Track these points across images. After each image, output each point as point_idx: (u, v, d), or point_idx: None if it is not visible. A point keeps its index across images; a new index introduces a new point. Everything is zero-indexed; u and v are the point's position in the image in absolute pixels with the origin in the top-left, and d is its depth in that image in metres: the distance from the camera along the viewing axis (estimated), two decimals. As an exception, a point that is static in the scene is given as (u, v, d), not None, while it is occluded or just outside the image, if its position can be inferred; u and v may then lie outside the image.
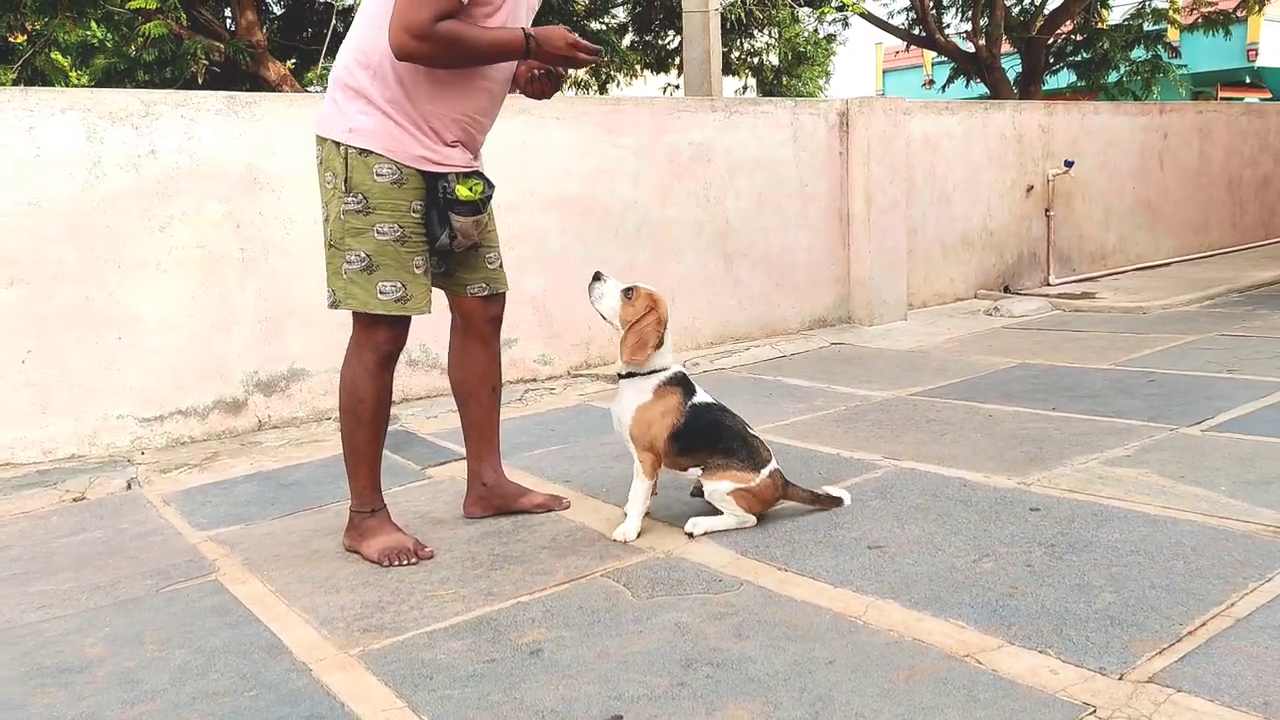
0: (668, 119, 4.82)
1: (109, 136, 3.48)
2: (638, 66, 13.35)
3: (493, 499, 2.71)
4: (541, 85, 2.47)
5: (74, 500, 3.20)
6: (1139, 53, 16.60)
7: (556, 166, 4.51)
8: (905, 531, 2.35)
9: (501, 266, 2.63)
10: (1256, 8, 17.02)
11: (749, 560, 2.26)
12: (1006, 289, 6.40)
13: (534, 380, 4.53)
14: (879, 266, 5.50)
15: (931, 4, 15.40)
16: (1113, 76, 16.18)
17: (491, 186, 2.44)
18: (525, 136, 4.39)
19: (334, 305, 2.37)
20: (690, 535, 2.43)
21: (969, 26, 16.28)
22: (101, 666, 1.95)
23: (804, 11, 15.92)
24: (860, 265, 5.51)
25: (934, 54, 23.61)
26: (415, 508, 2.87)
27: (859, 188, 5.44)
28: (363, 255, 2.30)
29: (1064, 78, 17.01)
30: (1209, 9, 16.65)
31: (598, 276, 2.49)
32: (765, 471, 2.43)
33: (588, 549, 2.43)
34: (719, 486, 2.41)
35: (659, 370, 2.46)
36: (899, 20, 16.75)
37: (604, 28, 12.12)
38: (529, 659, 1.86)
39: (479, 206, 2.39)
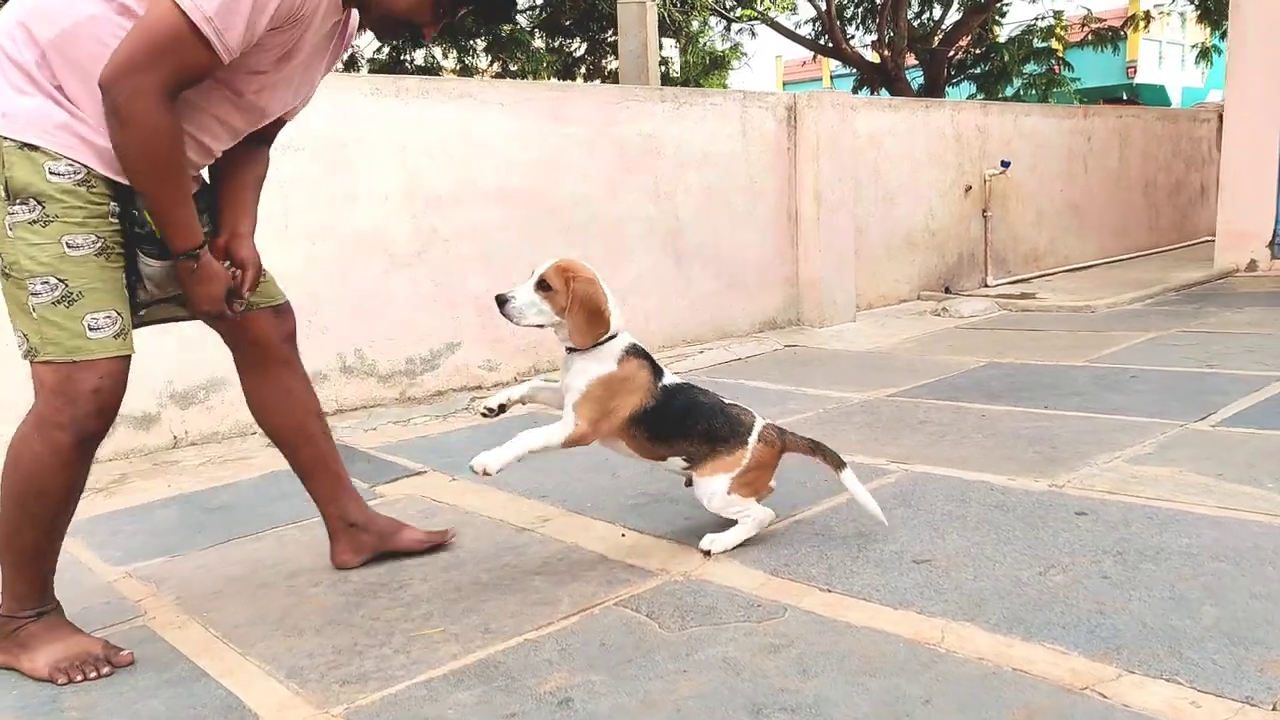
0: (616, 109, 4.54)
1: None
2: (545, 74, 13.03)
3: (368, 539, 2.21)
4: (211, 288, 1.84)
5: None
6: (1033, 67, 17.35)
7: (499, 157, 4.17)
8: (948, 543, 2.13)
9: (270, 277, 2.06)
10: (1142, 25, 18.03)
11: (783, 581, 1.99)
12: (947, 290, 6.36)
13: (479, 388, 4.16)
14: (828, 267, 5.35)
15: (837, 17, 15.69)
16: (1010, 89, 16.82)
17: (211, 228, 1.88)
18: (465, 124, 4.04)
19: (30, 356, 1.69)
20: (707, 554, 2.15)
21: (873, 38, 16.69)
22: (7, 747, 1.54)
23: (713, 20, 15.97)
24: (810, 265, 5.35)
25: (834, 67, 24.21)
26: (375, 531, 2.49)
27: (808, 185, 5.28)
28: (53, 282, 1.64)
29: (964, 89, 17.57)
30: (1098, 25, 17.53)
31: (502, 300, 2.07)
32: (754, 436, 2.15)
33: (588, 573, 2.11)
34: (714, 488, 2.12)
35: (613, 336, 2.10)
36: (805, 31, 17.03)
37: (514, 27, 11.74)
38: (559, 711, 1.54)
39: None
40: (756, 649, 1.70)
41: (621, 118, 4.55)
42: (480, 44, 12.17)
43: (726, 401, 2.20)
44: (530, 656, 1.73)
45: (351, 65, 11.27)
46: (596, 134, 4.47)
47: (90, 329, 1.68)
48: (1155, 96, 24.37)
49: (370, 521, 2.23)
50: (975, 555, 2.04)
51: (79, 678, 1.75)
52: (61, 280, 1.65)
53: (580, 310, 2.04)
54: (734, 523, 2.18)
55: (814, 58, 19.75)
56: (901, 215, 6.03)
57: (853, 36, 17.04)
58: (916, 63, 16.94)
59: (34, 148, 1.63)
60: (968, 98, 15.68)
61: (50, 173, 1.64)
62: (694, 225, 4.89)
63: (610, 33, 14.67)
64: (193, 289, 1.80)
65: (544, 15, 13.66)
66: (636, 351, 2.13)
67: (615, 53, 14.87)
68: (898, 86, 15.51)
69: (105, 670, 1.77)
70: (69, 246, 1.66)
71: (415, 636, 1.85)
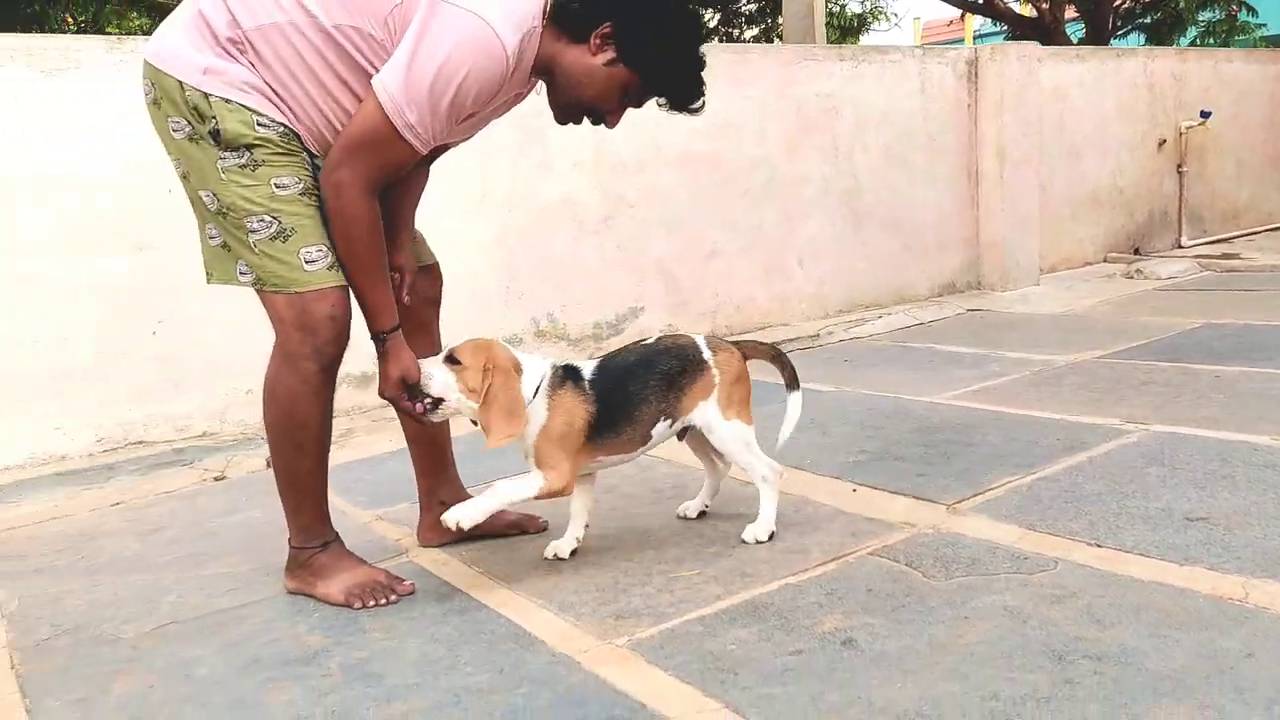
0: (795, 69, 4.48)
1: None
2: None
3: None
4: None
5: (215, 479, 2.96)
6: (1211, 14, 15.95)
7: (682, 121, 4.15)
8: (1220, 501, 2.02)
9: (422, 238, 2.12)
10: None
11: (1042, 535, 1.94)
12: (1136, 251, 5.99)
13: (667, 350, 4.22)
14: (1011, 227, 5.12)
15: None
16: (1184, 39, 15.57)
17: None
18: (655, 88, 4.06)
19: (258, 285, 1.80)
20: (752, 542, 2.03)
21: (1031, -10, 15.72)
22: (330, 657, 1.68)
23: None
24: (991, 226, 5.14)
25: (977, 27, 23.00)
26: (597, 483, 2.58)
27: (990, 142, 5.06)
28: (267, 220, 1.75)
29: (1131, 41, 16.39)
30: (1285, -35, 15.90)
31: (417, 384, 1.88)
32: (707, 352, 2.01)
33: (829, 525, 2.12)
34: (709, 418, 1.99)
35: (536, 382, 1.90)
36: (954, -12, 16.21)
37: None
38: (844, 650, 1.55)
39: None
40: (1037, 599, 1.66)
41: (799, 78, 4.49)
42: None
43: (650, 342, 2.07)
44: (797, 599, 1.76)
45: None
46: (774, 95, 4.43)
47: (306, 262, 1.78)
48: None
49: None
50: (1258, 514, 1.93)
51: (371, 603, 1.88)
52: (275, 218, 1.76)
53: (490, 407, 1.84)
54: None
55: (961, 16, 18.86)
56: (1087, 172, 5.71)
57: (1006, -10, 16.16)
58: (1077, 15, 15.91)
59: (239, 105, 1.73)
60: (1137, 50, 14.59)
61: (258, 124, 1.74)
62: (871, 186, 4.79)
63: (745, 1, 14.43)
64: (381, 367, 1.87)
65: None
66: (557, 375, 1.93)
67: (750, 22, 14.64)
68: (1055, 42, 14.64)
69: (392, 598, 1.90)
70: (277, 187, 1.76)
71: (674, 578, 1.91)
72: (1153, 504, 2.04)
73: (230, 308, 3.26)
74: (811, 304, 4.67)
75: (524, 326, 3.84)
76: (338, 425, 3.41)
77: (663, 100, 1.93)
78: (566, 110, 1.91)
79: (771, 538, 2.04)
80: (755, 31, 13.55)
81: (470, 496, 2.20)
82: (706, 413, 2.02)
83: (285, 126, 1.78)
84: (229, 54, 1.76)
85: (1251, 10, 16.24)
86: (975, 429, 2.72)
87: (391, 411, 3.57)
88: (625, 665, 1.57)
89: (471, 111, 1.79)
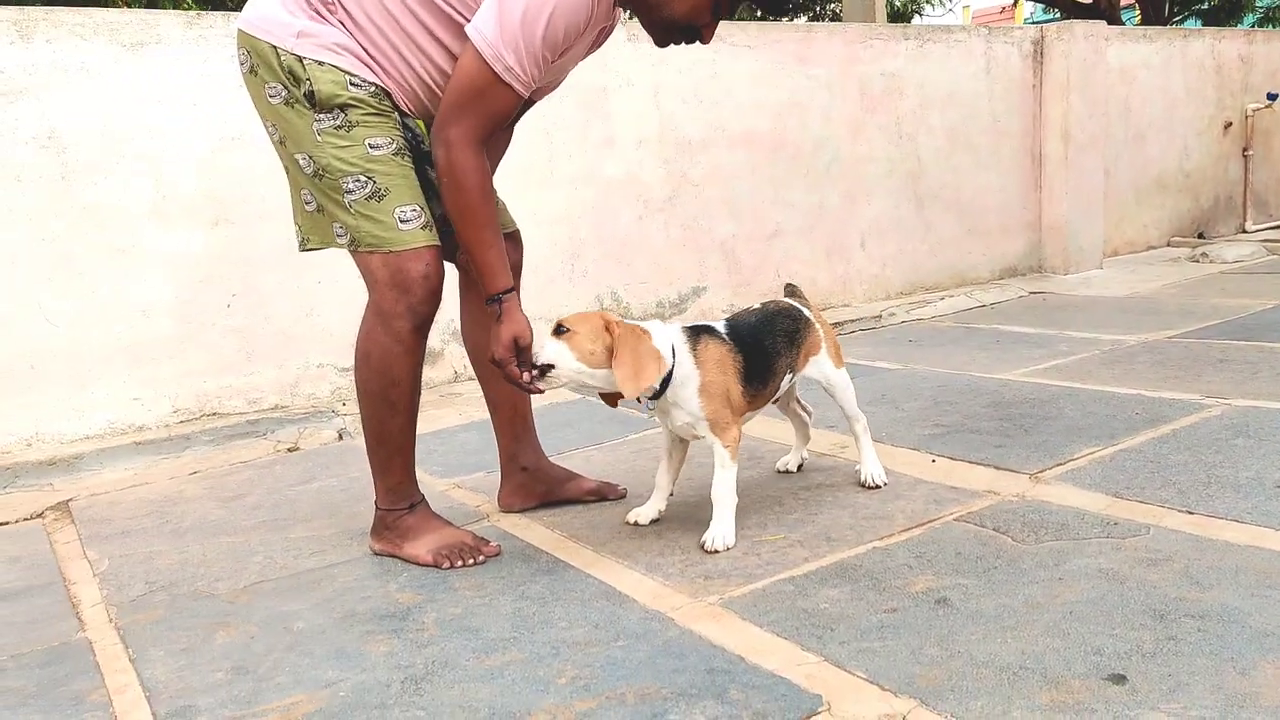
0: (860, 48, 4.45)
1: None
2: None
3: (535, 486, 2.23)
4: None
5: (289, 450, 3.02)
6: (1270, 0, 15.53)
7: (746, 99, 4.18)
8: (1311, 470, 1.98)
9: (501, 203, 2.09)
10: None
11: (1131, 503, 1.92)
12: (1200, 236, 5.86)
13: (726, 331, 4.22)
14: (1075, 210, 5.04)
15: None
16: (1243, 25, 15.16)
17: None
18: (715, 68, 4.07)
19: (353, 246, 1.83)
20: (876, 485, 2.16)
21: (1084, -24, 15.41)
22: (424, 613, 1.71)
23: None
24: (1055, 209, 5.06)
25: (1028, 13, 22.60)
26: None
27: (1054, 124, 4.98)
28: (362, 180, 1.78)
29: (1189, 27, 15.99)
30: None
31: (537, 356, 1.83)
32: (808, 311, 2.11)
33: (911, 493, 2.11)
34: (824, 370, 2.11)
35: (670, 344, 1.87)
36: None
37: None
38: (938, 609, 1.55)
39: None
40: (1133, 562, 1.65)
41: (864, 57, 4.45)
42: None
43: (758, 307, 2.08)
44: (886, 561, 1.76)
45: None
46: (840, 74, 4.40)
47: (401, 221, 1.80)
48: None
49: (541, 469, 2.23)
50: (1352, 483, 1.89)
51: (459, 563, 1.91)
52: (370, 178, 1.78)
53: (622, 364, 1.78)
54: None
55: (1014, 3, 18.56)
56: (1152, 155, 5.60)
57: (1060, -25, 15.84)
58: (1132, 1, 15.56)
59: (333, 66, 1.76)
60: (1194, 35, 14.26)
61: (351, 83, 1.77)
62: (935, 167, 4.74)
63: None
64: (494, 329, 1.85)
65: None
66: (692, 335, 1.91)
67: (799, 10, 14.55)
68: (1110, 27, 14.27)
69: (480, 559, 1.93)
70: (371, 147, 1.79)
71: (759, 541, 1.92)
72: (1242, 473, 2.01)
73: (300, 282, 3.34)
74: (873, 285, 4.64)
75: (588, 304, 3.87)
76: (405, 400, 3.50)
77: (756, 7, 1.94)
78: (662, 31, 1.89)
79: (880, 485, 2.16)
80: (805, 19, 13.47)
81: (549, 463, 2.27)
82: (822, 365, 2.12)
83: (377, 86, 1.81)
84: (321, 16, 1.79)
85: (1316, -7, 15.76)
86: (1050, 404, 2.69)
87: (458, 386, 3.67)
88: (720, 622, 1.58)
89: (565, 46, 1.78)
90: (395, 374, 1.88)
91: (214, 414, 3.27)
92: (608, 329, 1.82)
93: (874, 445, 2.22)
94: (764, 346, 1.98)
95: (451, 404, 3.43)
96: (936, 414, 2.72)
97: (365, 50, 1.81)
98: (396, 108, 1.86)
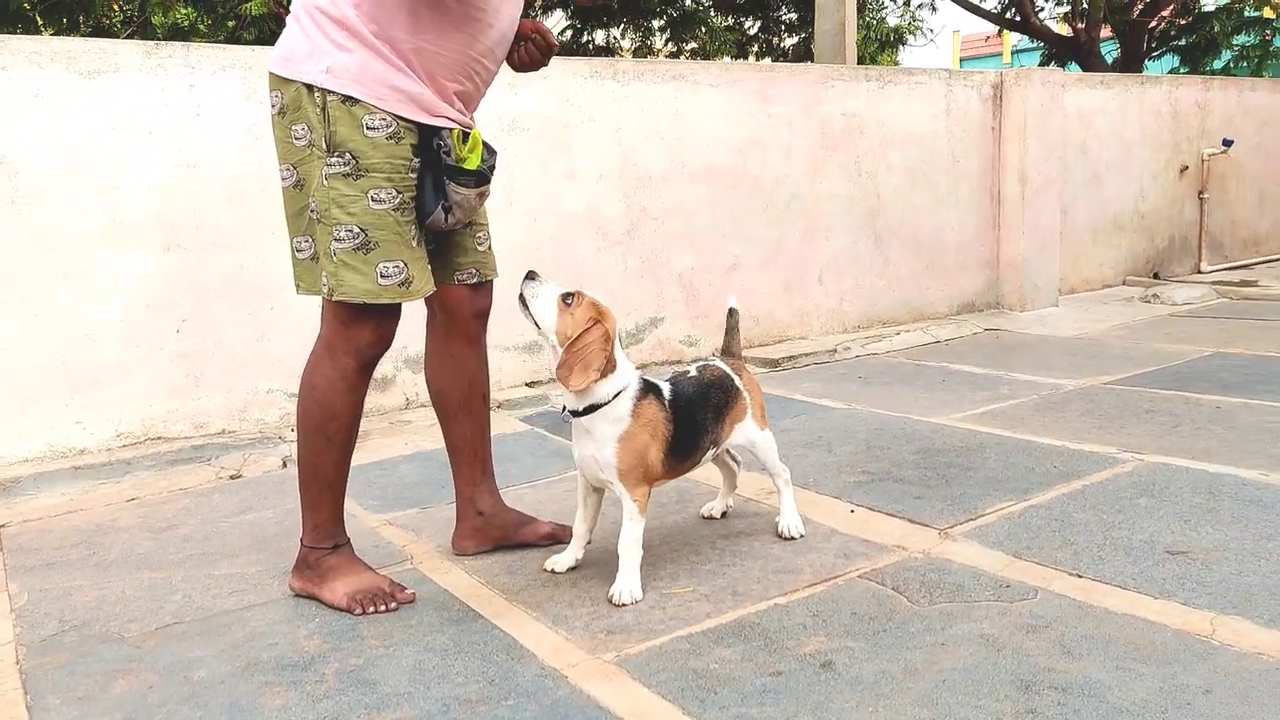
0: (821, 88, 4.53)
1: (267, 96, 3.30)
2: (722, 53, 12.99)
3: (490, 531, 2.24)
4: (531, 52, 2.08)
5: (231, 478, 3.05)
6: (1245, 38, 15.79)
7: (708, 136, 4.25)
8: (1202, 536, 2.04)
9: (491, 249, 2.17)
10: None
11: (1028, 564, 1.98)
12: (1156, 275, 5.97)
13: (680, 361, 4.28)
14: (1031, 249, 5.13)
15: (1026, -13, 14.80)
16: (1218, 62, 15.42)
17: (494, 153, 2.02)
18: (677, 105, 4.14)
19: (329, 295, 1.87)
20: (794, 537, 2.21)
21: (1064, 9, 15.63)
22: (326, 663, 1.75)
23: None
24: (1012, 247, 5.15)
25: (1015, 42, 22.86)
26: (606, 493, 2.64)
27: (1012, 165, 5.08)
28: (355, 230, 1.82)
29: (1166, 63, 16.26)
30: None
31: (531, 275, 1.97)
32: (735, 377, 2.15)
33: (824, 546, 2.17)
34: (751, 436, 2.16)
35: (624, 389, 1.94)
36: (990, 4, 16.15)
37: (697, 6, 11.81)
38: (823, 673, 1.60)
39: (485, 176, 1.97)
40: (1014, 628, 1.70)
41: (826, 97, 4.53)
42: (658, 24, 12.33)
43: (695, 369, 2.13)
44: (783, 620, 1.81)
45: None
46: (801, 113, 4.47)
47: (381, 276, 1.85)
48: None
49: (497, 514, 2.25)
50: (1236, 550, 1.96)
51: (371, 609, 1.94)
52: (363, 230, 1.83)
53: (574, 354, 1.88)
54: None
55: (999, 32, 18.77)
56: (1109, 197, 5.70)
57: (1041, 9, 16.07)
58: (1112, 35, 15.79)
59: (355, 101, 1.79)
60: (1169, 72, 14.55)
61: (367, 128, 1.80)
62: (894, 205, 4.82)
63: (784, 10, 14.49)
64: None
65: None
66: (644, 390, 1.97)
67: (790, 31, 14.68)
68: (1090, 61, 14.54)
69: (393, 605, 1.96)
70: (374, 200, 1.83)
71: (667, 594, 1.96)
72: (1137, 535, 2.07)
73: (251, 308, 3.37)
74: (830, 319, 4.71)
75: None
76: (353, 427, 3.53)
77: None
78: None
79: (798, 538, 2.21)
80: (795, 40, 13.60)
81: (505, 508, 2.28)
82: (747, 430, 2.16)
83: (397, 121, 1.82)
84: (351, 33, 1.79)
85: (1284, 35, 16.03)
86: (977, 453, 2.76)
87: (409, 414, 3.71)
88: (611, 681, 1.63)
89: None
90: (335, 408, 1.94)
91: (159, 438, 3.29)
92: (589, 321, 1.90)
93: (799, 491, 2.28)
94: (695, 421, 2.03)
95: (400, 432, 3.47)
96: (866, 459, 2.78)
97: (394, 53, 1.81)
98: (417, 135, 1.86)
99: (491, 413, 2.32)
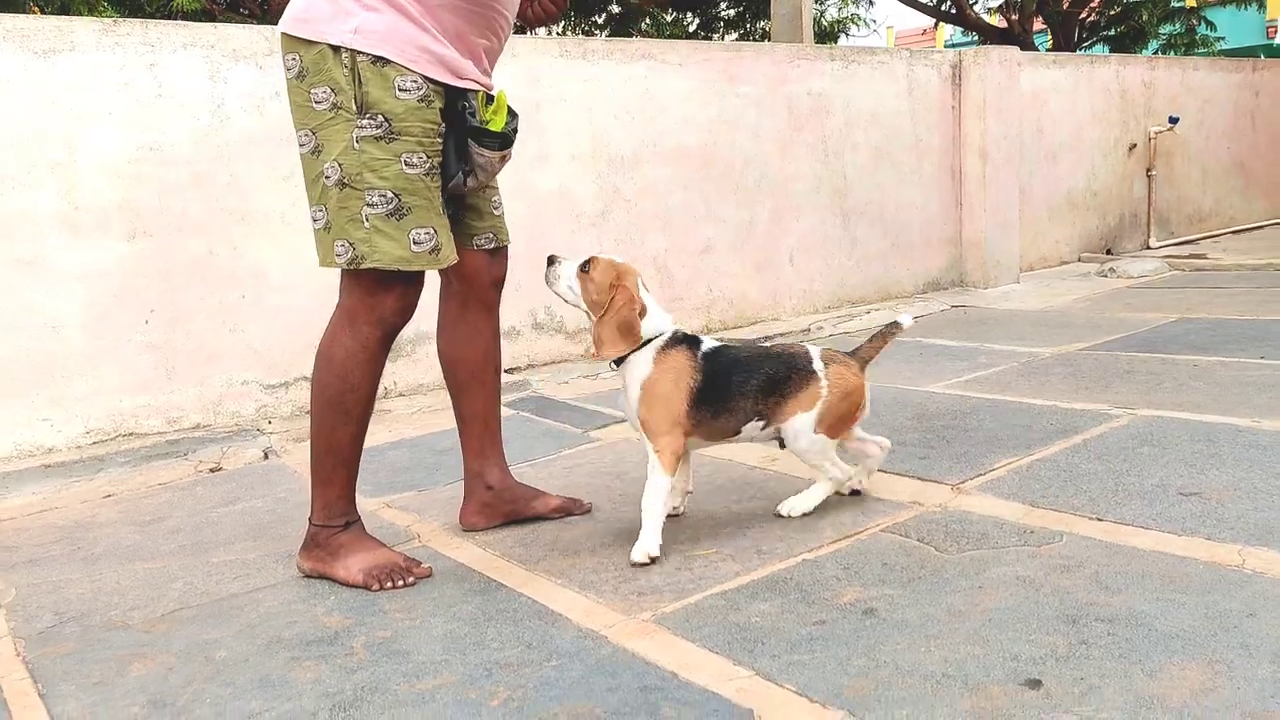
0: (788, 67, 4.55)
1: (232, 76, 3.20)
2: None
3: (500, 505, 2.20)
4: (546, 5, 2.06)
5: (211, 470, 2.93)
6: (1171, 27, 16.41)
7: (677, 115, 4.24)
8: (1210, 478, 2.09)
9: (504, 214, 2.16)
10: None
11: (1046, 511, 2.00)
12: (1108, 251, 6.14)
13: (658, 345, 4.25)
14: (993, 227, 5.23)
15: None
16: (1146, 51, 15.98)
17: (516, 116, 1.98)
18: (647, 85, 4.11)
19: (353, 264, 1.79)
20: (785, 516, 2.09)
21: (999, 2, 16.05)
22: (353, 637, 1.68)
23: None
24: (974, 225, 5.24)
25: (948, 36, 23.40)
26: (605, 468, 2.61)
27: (973, 143, 5.17)
28: (389, 195, 1.77)
29: (1096, 53, 16.77)
30: (1245, -20, 16.41)
31: (551, 260, 2.05)
32: (819, 363, 2.00)
33: (841, 504, 2.16)
34: (797, 427, 1.97)
35: (653, 338, 1.98)
36: (926, -1, 16.49)
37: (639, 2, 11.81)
38: (866, 619, 1.59)
39: (509, 138, 1.94)
40: (1048, 568, 1.71)
41: (792, 76, 4.55)
42: (600, 19, 12.31)
43: (768, 345, 2.11)
44: (815, 574, 1.79)
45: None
46: (768, 93, 4.49)
47: (414, 243, 1.80)
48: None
49: (506, 488, 2.21)
50: (1247, 489, 2.00)
51: (389, 585, 1.88)
52: (396, 195, 1.77)
53: (604, 323, 1.95)
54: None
55: (935, 25, 19.17)
56: (1063, 175, 5.84)
57: (975, 2, 16.47)
58: (1044, 26, 16.25)
59: (386, 62, 1.73)
60: (1101, 60, 14.96)
61: (399, 89, 1.75)
62: (860, 184, 4.86)
63: (725, 6, 14.60)
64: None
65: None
66: (674, 340, 1.99)
67: (730, 27, 14.80)
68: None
69: (410, 580, 1.90)
70: (407, 165, 1.78)
71: (691, 556, 1.94)
72: (1147, 481, 2.11)
73: (223, 297, 3.26)
74: (802, 299, 4.73)
75: (521, 319, 3.86)
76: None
77: None
78: None
79: (792, 516, 2.09)
80: (735, 36, 13.69)
81: (515, 482, 2.23)
82: (799, 423, 1.99)
83: (427, 83, 1.77)
84: (371, 3, 1.73)
85: (1210, 24, 16.74)
86: (971, 415, 2.79)
87: (388, 403, 3.62)
88: (652, 638, 1.60)
89: None
90: (355, 379, 1.87)
91: (130, 434, 3.16)
92: (613, 288, 1.94)
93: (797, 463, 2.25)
94: (731, 382, 1.97)
95: (381, 421, 3.38)
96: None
97: (422, 12, 1.75)
98: (444, 97, 1.81)
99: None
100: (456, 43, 1.82)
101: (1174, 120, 6.17)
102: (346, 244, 1.80)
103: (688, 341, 1.99)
